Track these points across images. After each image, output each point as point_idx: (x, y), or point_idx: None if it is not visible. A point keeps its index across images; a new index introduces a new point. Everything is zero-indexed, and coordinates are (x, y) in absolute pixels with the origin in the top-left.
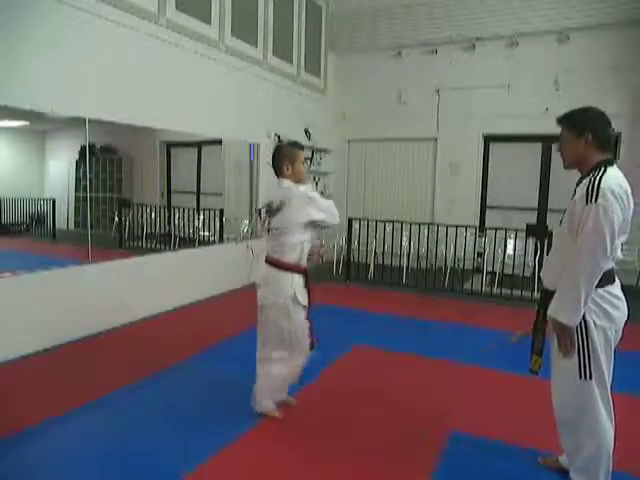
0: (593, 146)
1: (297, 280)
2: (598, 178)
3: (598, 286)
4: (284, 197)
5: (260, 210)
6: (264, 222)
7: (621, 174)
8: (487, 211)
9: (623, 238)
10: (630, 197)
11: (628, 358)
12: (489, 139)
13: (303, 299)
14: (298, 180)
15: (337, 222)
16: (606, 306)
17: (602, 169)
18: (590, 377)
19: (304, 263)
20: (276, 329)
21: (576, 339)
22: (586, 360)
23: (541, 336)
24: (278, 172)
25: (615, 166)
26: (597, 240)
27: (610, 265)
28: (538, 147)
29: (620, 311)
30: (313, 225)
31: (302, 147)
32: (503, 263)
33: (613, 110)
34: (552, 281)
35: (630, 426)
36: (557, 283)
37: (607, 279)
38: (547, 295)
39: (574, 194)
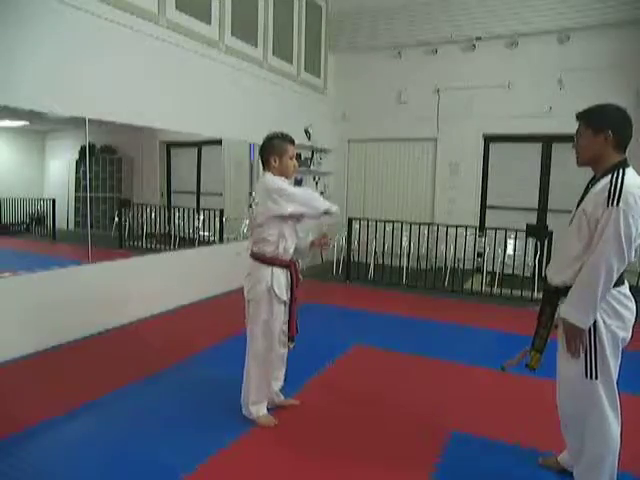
0: (611, 145)
1: (277, 273)
2: (620, 181)
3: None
4: (257, 188)
5: (250, 206)
6: (250, 216)
7: (638, 175)
8: (487, 211)
9: None
10: None
11: (632, 358)
12: (489, 139)
13: (281, 292)
14: (285, 176)
15: (321, 212)
16: (616, 305)
17: (621, 171)
18: (596, 377)
19: (287, 256)
20: (252, 323)
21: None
22: (593, 359)
23: (545, 333)
24: (265, 164)
25: (631, 167)
26: (616, 245)
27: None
28: (538, 147)
29: (630, 311)
30: (296, 218)
31: (292, 141)
32: (503, 263)
33: None
34: (560, 278)
35: (635, 426)
36: (566, 281)
37: (619, 280)
38: (553, 292)
39: (584, 193)
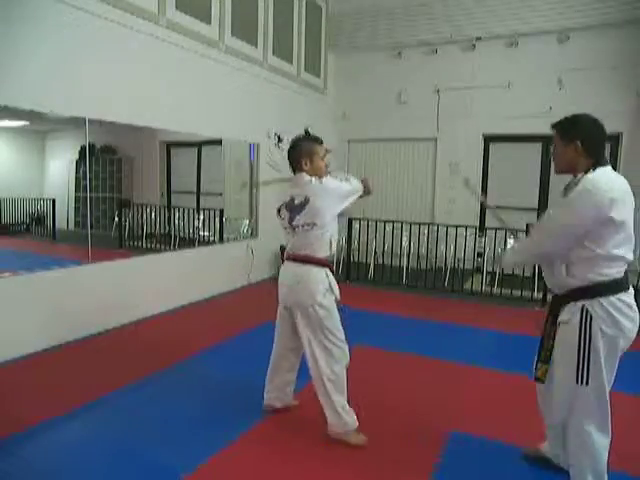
0: (582, 153)
1: (329, 273)
2: (580, 176)
3: (610, 293)
4: (310, 192)
5: (279, 208)
6: (284, 218)
7: (614, 173)
8: (487, 211)
9: (624, 236)
10: (629, 195)
11: (634, 359)
12: (489, 139)
13: (337, 291)
14: (318, 176)
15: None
16: (617, 314)
17: (590, 170)
18: (587, 383)
19: (331, 257)
20: (323, 328)
21: (578, 344)
22: (585, 365)
23: (550, 342)
24: (296, 167)
25: (608, 167)
26: (548, 230)
27: (622, 270)
28: (538, 147)
29: (632, 320)
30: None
31: (321, 141)
32: None
33: (614, 110)
34: (556, 284)
35: (630, 425)
36: (565, 287)
37: (619, 286)
38: (556, 300)
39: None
